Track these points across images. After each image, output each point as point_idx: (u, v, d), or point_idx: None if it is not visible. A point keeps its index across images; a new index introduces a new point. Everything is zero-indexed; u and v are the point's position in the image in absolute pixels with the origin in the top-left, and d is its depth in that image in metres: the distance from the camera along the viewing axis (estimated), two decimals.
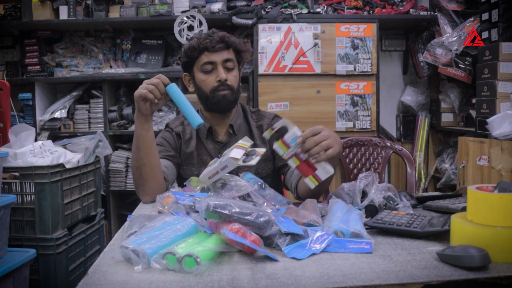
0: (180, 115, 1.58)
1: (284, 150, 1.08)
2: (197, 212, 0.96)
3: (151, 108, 1.26)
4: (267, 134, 1.08)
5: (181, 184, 1.52)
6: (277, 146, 1.09)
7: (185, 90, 2.33)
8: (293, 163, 1.09)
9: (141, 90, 1.21)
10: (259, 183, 1.16)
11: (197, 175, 1.43)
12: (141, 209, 1.23)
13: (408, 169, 2.37)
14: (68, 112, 2.92)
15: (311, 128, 1.08)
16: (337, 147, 1.09)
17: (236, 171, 1.20)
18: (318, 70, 2.70)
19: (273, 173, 1.51)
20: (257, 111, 1.60)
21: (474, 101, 2.58)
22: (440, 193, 1.32)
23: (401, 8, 2.85)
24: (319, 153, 1.05)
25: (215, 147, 1.49)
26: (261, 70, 2.69)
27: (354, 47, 2.71)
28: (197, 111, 1.53)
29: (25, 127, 1.96)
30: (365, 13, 2.82)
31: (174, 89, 1.22)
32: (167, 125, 1.57)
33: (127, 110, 2.92)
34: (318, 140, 1.05)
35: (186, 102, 1.22)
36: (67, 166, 1.85)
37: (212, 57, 1.41)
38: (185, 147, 1.50)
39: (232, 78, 1.44)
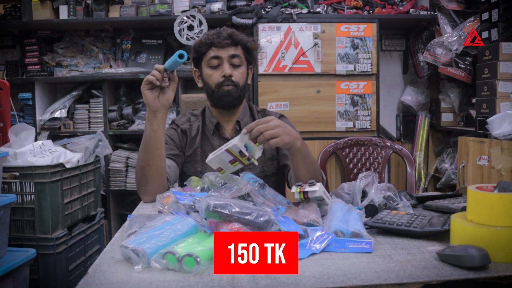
0: (187, 112, 1.60)
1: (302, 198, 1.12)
2: (197, 211, 0.96)
3: (160, 100, 1.25)
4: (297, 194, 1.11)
5: (182, 184, 1.52)
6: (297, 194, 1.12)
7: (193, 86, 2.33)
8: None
9: (150, 76, 1.22)
10: (259, 183, 1.16)
11: (201, 172, 1.44)
12: (141, 209, 1.23)
13: (408, 169, 2.37)
14: (68, 111, 2.92)
15: (260, 119, 1.14)
16: (285, 137, 1.14)
17: (237, 171, 1.20)
18: (318, 70, 2.70)
19: (277, 171, 1.53)
20: (263, 110, 1.62)
21: (474, 101, 2.58)
22: (440, 193, 1.32)
23: (401, 8, 2.85)
24: (264, 141, 1.12)
25: (221, 144, 1.49)
26: (261, 70, 2.69)
27: (354, 47, 2.71)
28: (204, 108, 1.57)
29: (25, 127, 1.96)
30: (365, 13, 2.82)
31: (169, 61, 1.22)
32: (172, 122, 1.57)
33: (127, 110, 2.92)
34: (262, 129, 1.11)
35: (171, 62, 1.22)
36: (67, 166, 1.85)
37: (218, 52, 1.43)
38: (190, 144, 1.51)
39: (238, 74, 1.45)
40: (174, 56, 1.19)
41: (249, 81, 1.55)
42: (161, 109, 1.26)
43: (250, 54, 1.50)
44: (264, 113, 1.60)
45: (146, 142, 1.27)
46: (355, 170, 2.57)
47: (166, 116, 1.29)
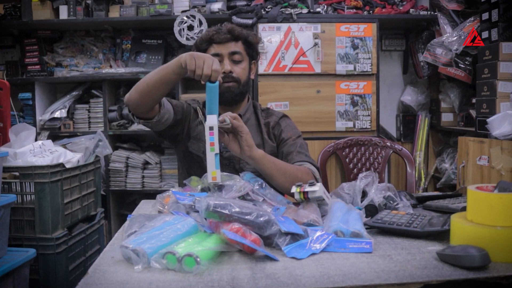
0: (196, 100, 1.61)
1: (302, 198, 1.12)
2: (197, 211, 0.96)
3: None
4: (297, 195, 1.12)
5: (182, 183, 1.52)
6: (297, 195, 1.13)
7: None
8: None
9: (195, 62, 1.18)
10: (259, 182, 1.16)
11: (203, 153, 1.47)
12: (141, 209, 1.24)
13: (408, 169, 2.37)
14: (68, 111, 2.91)
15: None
16: (248, 137, 1.23)
17: (237, 170, 1.20)
18: (318, 70, 2.70)
19: None
20: (267, 109, 1.64)
21: (474, 101, 2.58)
22: (440, 193, 1.32)
23: (401, 8, 2.84)
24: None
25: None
26: (261, 69, 2.68)
27: (354, 47, 2.71)
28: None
29: (25, 127, 1.96)
30: (365, 13, 2.82)
31: (212, 88, 1.21)
32: (185, 102, 1.61)
33: (127, 110, 2.91)
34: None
35: (215, 102, 1.21)
36: (67, 166, 1.85)
37: (219, 49, 1.44)
38: (198, 123, 1.53)
39: (239, 70, 1.46)
40: (217, 91, 1.21)
41: (253, 76, 1.56)
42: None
43: (252, 49, 1.51)
44: (268, 111, 1.61)
45: (162, 72, 1.26)
46: (355, 170, 2.57)
47: None
